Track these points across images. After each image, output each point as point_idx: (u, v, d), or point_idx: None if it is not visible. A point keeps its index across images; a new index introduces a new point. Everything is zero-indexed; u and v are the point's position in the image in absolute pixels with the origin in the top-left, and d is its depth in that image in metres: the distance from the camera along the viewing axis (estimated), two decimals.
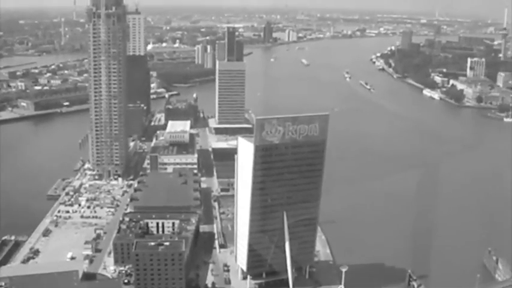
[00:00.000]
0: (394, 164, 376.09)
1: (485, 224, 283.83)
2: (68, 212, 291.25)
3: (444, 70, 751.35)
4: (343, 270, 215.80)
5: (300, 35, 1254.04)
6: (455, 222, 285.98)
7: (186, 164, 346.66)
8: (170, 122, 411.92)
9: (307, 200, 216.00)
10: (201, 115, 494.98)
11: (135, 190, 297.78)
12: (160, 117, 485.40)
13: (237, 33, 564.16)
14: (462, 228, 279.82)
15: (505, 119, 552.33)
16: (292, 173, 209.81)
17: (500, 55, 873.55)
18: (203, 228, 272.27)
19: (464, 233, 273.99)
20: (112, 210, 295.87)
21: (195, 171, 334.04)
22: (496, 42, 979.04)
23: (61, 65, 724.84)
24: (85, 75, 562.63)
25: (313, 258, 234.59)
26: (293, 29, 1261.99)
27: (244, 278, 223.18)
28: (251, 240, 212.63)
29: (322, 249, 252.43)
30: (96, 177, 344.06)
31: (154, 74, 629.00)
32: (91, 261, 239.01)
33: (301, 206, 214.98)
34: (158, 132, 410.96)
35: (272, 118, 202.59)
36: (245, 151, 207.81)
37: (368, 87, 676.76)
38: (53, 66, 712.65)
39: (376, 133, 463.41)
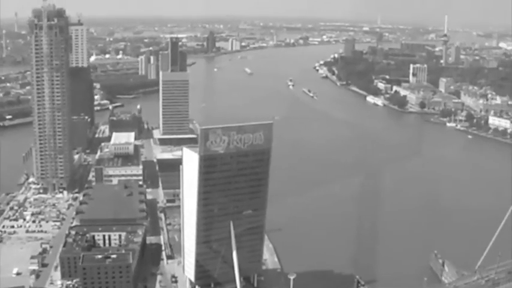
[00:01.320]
0: (339, 170, 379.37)
1: (430, 228, 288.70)
2: (12, 227, 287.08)
3: (387, 77, 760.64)
4: (291, 278, 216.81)
5: (243, 44, 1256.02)
6: (401, 227, 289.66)
7: (131, 175, 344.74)
8: (114, 134, 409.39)
9: (253, 209, 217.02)
10: (146, 126, 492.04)
11: (81, 203, 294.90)
12: (104, 129, 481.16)
13: (180, 44, 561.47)
14: (408, 232, 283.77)
15: (447, 124, 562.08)
16: (237, 182, 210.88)
17: (442, 61, 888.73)
18: (150, 239, 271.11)
19: (410, 237, 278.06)
20: (58, 224, 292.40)
21: (141, 182, 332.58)
22: (437, 49, 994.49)
23: (3, 78, 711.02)
24: (28, 87, 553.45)
25: (261, 267, 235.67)
26: (236, 38, 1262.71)
27: None
28: (198, 250, 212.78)
29: (269, 258, 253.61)
30: (41, 190, 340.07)
31: (97, 85, 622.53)
32: (37, 276, 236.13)
33: (247, 214, 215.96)
34: (103, 144, 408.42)
35: (216, 128, 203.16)
36: (190, 161, 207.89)
37: (311, 94, 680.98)
38: None
39: (320, 140, 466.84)
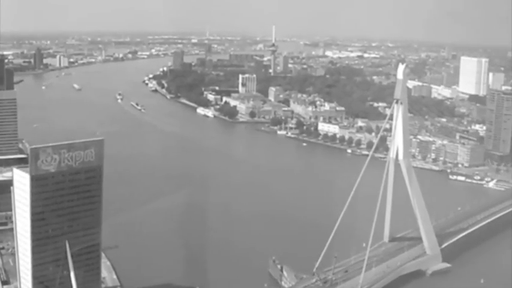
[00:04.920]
0: (170, 183, 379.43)
1: (267, 236, 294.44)
2: None
3: (217, 88, 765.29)
4: None
5: (72, 60, 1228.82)
6: (238, 237, 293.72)
7: None
8: None
9: (88, 227, 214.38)
10: None
11: None
12: None
13: (6, 61, 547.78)
14: (245, 241, 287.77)
15: (278, 132, 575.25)
16: (71, 201, 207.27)
17: (270, 70, 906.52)
18: None
19: (248, 246, 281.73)
20: None
21: None
22: (265, 58, 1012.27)
23: None
24: None
25: (100, 285, 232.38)
26: (64, 54, 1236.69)
27: None
28: (35, 273, 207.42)
29: (108, 275, 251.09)
30: None
31: None
32: None
33: (82, 233, 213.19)
34: None
35: (47, 146, 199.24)
36: (21, 182, 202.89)
37: (139, 108, 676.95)
38: None
39: (149, 154, 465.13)
